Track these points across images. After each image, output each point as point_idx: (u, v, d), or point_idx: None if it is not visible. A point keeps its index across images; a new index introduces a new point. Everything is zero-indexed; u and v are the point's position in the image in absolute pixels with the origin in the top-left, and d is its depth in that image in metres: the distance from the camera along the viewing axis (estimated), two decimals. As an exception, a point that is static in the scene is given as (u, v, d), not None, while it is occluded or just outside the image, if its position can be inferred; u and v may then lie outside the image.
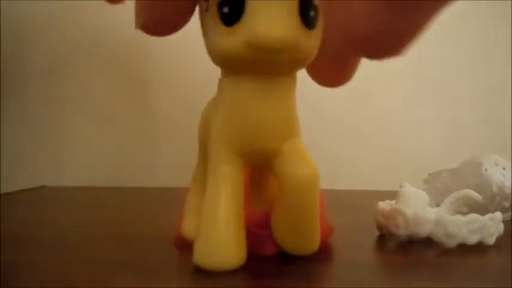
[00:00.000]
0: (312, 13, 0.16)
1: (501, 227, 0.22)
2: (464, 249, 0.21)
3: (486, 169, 0.27)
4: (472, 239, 0.21)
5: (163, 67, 0.46)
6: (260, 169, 0.19)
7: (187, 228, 0.20)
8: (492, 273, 0.18)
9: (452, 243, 0.21)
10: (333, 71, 0.12)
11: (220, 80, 0.18)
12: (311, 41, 0.16)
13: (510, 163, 0.28)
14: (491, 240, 0.21)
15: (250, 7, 0.15)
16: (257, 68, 0.16)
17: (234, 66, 0.17)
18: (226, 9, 0.15)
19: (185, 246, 0.19)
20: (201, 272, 0.17)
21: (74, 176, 0.46)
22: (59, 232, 0.24)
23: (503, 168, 0.27)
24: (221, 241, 0.17)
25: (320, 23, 0.16)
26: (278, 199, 0.18)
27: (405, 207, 0.22)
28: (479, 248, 0.21)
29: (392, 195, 0.24)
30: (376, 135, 0.48)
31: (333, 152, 0.47)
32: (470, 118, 0.49)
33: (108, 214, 0.30)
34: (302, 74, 0.17)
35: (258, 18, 0.15)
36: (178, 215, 0.21)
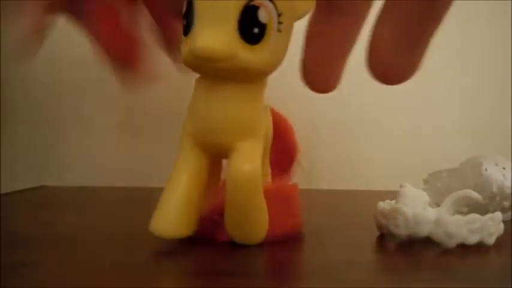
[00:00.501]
0: (255, 30, 0.18)
1: (501, 227, 0.22)
2: (464, 249, 0.21)
3: (486, 169, 0.27)
4: (472, 239, 0.21)
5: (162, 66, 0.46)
6: None
7: None
8: (492, 273, 0.18)
9: (452, 243, 0.21)
10: (327, 77, 0.13)
11: (195, 80, 0.21)
12: (255, 55, 0.18)
13: (510, 163, 0.28)
14: (491, 240, 0.21)
15: (197, 21, 0.18)
16: (207, 74, 0.19)
17: (191, 70, 0.19)
18: (185, 22, 0.18)
19: None
20: (202, 272, 0.17)
21: (74, 176, 0.46)
22: (59, 232, 0.24)
23: (503, 168, 0.27)
24: (172, 213, 0.19)
25: (273, 39, 0.18)
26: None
27: (405, 207, 0.22)
28: (479, 248, 0.21)
29: (392, 195, 0.24)
30: (376, 135, 0.48)
31: (333, 152, 0.47)
32: (470, 118, 0.49)
33: (108, 214, 0.30)
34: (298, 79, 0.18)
35: (198, 31, 0.17)
36: None
